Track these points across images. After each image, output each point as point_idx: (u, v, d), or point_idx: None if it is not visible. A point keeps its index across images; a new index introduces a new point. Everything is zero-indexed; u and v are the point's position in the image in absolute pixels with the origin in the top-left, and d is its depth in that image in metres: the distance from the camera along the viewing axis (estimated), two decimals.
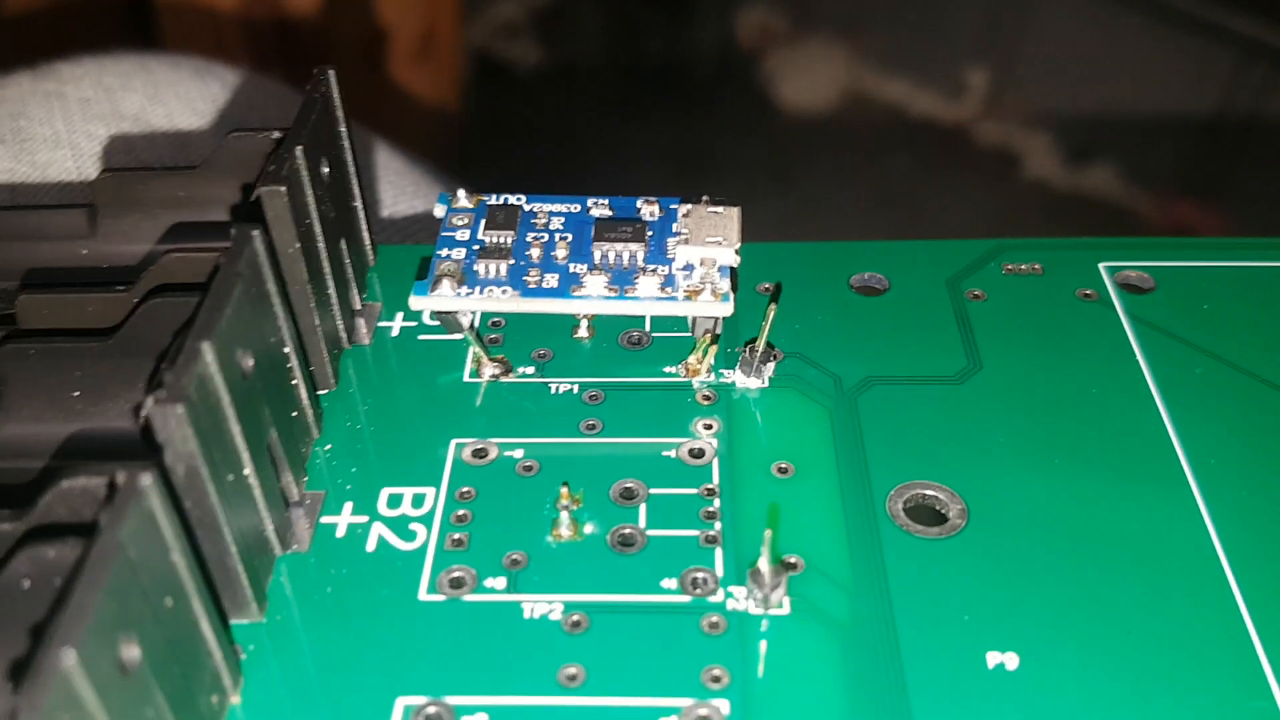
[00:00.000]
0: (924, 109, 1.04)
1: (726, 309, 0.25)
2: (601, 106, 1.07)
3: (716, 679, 0.20)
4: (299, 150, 0.24)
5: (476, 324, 0.28)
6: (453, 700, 0.20)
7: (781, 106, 1.06)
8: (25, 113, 0.40)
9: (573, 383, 0.26)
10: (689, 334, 0.27)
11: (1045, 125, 1.00)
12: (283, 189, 0.23)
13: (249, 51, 0.86)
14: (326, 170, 0.26)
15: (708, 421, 0.25)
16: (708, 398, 0.26)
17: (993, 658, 0.20)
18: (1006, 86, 1.05)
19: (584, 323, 0.28)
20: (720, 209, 0.26)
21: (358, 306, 0.28)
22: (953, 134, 1.02)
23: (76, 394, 0.24)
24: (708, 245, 0.25)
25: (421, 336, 0.28)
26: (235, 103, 0.42)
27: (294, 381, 0.24)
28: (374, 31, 0.90)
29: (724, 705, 0.20)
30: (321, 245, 0.25)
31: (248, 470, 0.21)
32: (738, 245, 0.26)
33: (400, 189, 0.40)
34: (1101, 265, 0.29)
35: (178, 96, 0.41)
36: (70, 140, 0.38)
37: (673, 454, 0.25)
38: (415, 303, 0.25)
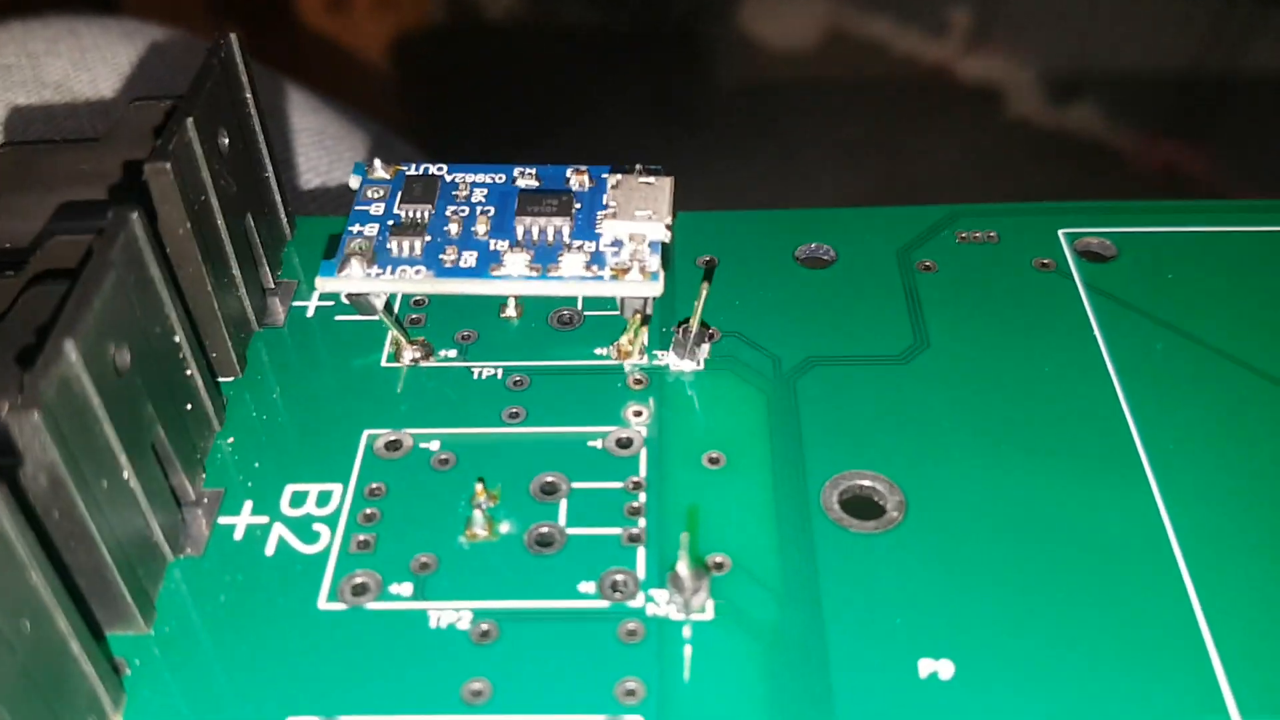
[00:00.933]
0: (906, 48, 1.01)
1: (656, 289, 0.23)
2: (578, 53, 1.04)
3: (631, 692, 0.19)
4: (190, 122, 0.22)
5: (396, 305, 0.26)
6: None
7: (762, 49, 1.03)
8: None
9: (497, 367, 0.25)
10: (620, 314, 0.26)
11: (1029, 64, 0.97)
12: (167, 166, 0.21)
13: (208, 7, 0.83)
14: (226, 142, 0.24)
15: (638, 408, 0.24)
16: (639, 381, 0.24)
17: (925, 666, 0.19)
18: (990, 25, 1.02)
19: (511, 301, 0.26)
20: (652, 179, 0.25)
21: (270, 285, 0.26)
22: (935, 73, 0.99)
23: None
24: (637, 220, 0.24)
25: (339, 316, 0.26)
26: (167, 67, 0.40)
27: (188, 371, 0.22)
28: None
29: None
30: (221, 222, 0.23)
31: (126, 473, 0.19)
32: (669, 220, 0.24)
33: (333, 152, 0.38)
34: (1061, 232, 0.27)
35: (104, 62, 0.39)
36: None
37: (599, 444, 0.23)
38: (322, 284, 0.24)
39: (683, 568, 0.20)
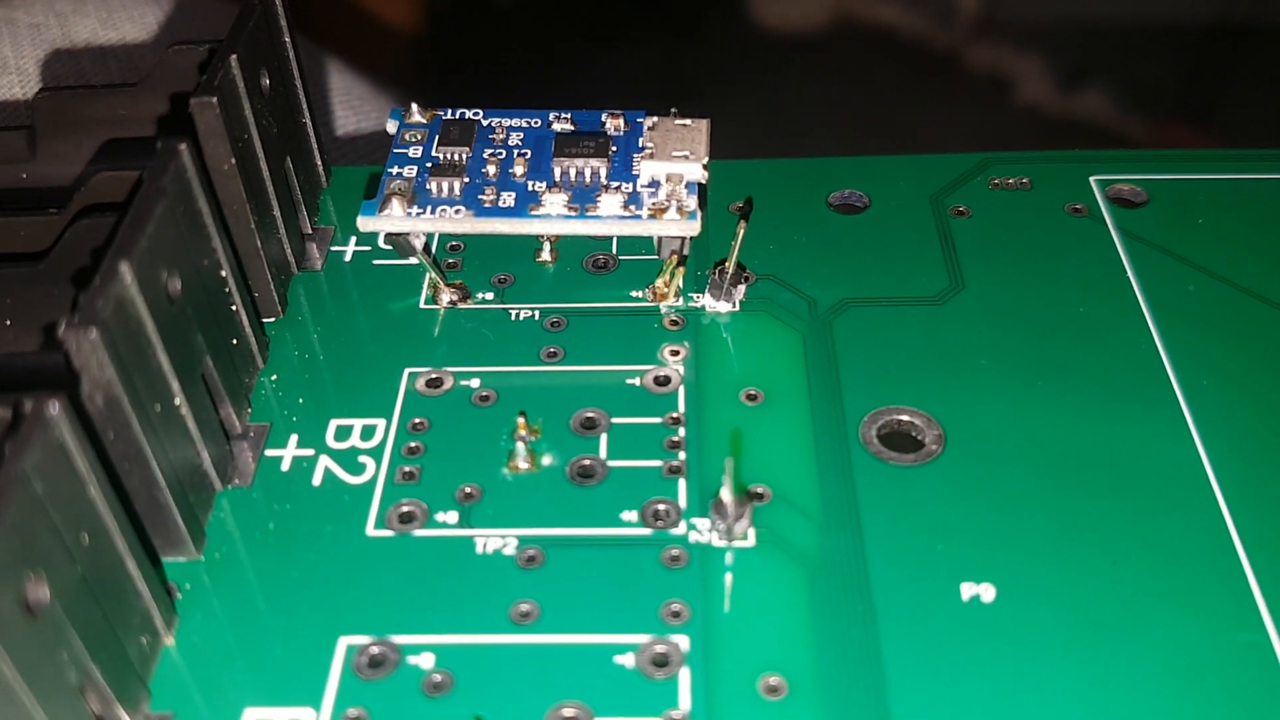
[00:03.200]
0: (915, 30, 1.01)
1: (693, 228, 0.24)
2: (579, 27, 1.04)
3: (676, 614, 0.19)
4: (234, 59, 0.22)
5: (433, 248, 0.26)
6: (398, 639, 0.19)
7: (767, 26, 1.03)
8: None
9: (534, 308, 0.25)
10: (657, 256, 0.26)
11: (1037, 46, 0.97)
12: (214, 100, 0.21)
13: None
14: (267, 83, 0.24)
15: (675, 347, 0.24)
16: (675, 322, 0.25)
17: (967, 589, 0.19)
18: (998, 7, 1.02)
19: (547, 245, 0.26)
20: (689, 121, 0.25)
21: (308, 230, 0.27)
22: (944, 55, 0.99)
23: (8, 322, 0.23)
24: (674, 160, 0.24)
25: (376, 261, 0.26)
26: (192, 24, 0.40)
27: (234, 307, 0.22)
28: None
29: (683, 641, 0.19)
30: (264, 163, 0.24)
31: (178, 400, 0.19)
32: (706, 160, 0.24)
33: (360, 111, 0.38)
34: (1092, 179, 0.27)
35: (132, 20, 0.39)
36: (19, 66, 0.37)
37: (637, 382, 0.23)
38: (363, 223, 0.24)
39: (726, 493, 0.20)
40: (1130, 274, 0.25)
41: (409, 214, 0.24)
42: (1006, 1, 1.04)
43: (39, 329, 0.23)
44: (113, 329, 0.17)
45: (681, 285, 0.25)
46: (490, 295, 0.25)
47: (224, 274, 0.22)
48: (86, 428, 0.17)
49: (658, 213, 0.24)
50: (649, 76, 0.99)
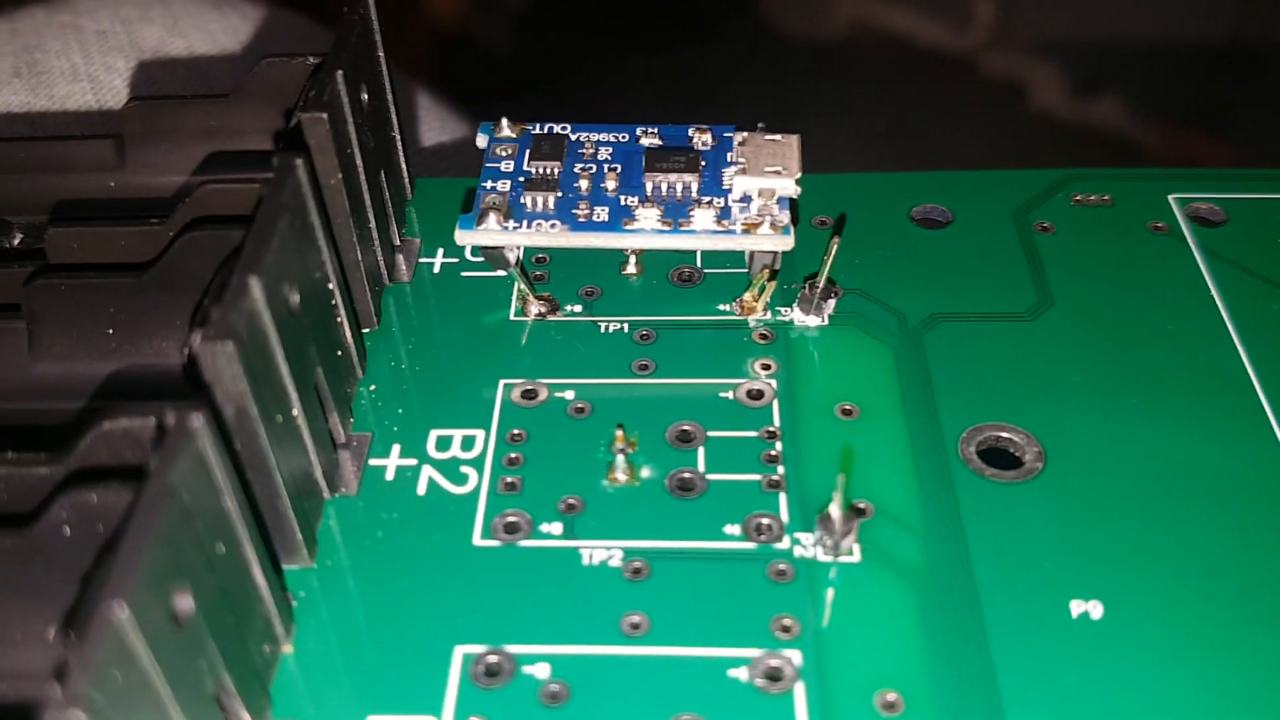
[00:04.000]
0: (930, 39, 1.01)
1: (787, 243, 0.24)
2: (602, 37, 1.04)
3: (786, 629, 0.19)
4: (340, 75, 0.23)
5: (521, 259, 0.27)
6: (513, 649, 0.19)
7: (785, 36, 1.03)
8: (41, 45, 0.39)
9: (622, 321, 0.25)
10: (743, 270, 0.26)
11: (1052, 55, 0.97)
12: (324, 115, 0.22)
13: None
14: (366, 98, 0.24)
15: (765, 361, 0.24)
16: (765, 336, 0.25)
17: (1076, 606, 0.20)
18: (1014, 16, 1.02)
19: (632, 259, 0.26)
20: (779, 137, 0.25)
21: (397, 242, 0.27)
22: (959, 64, 0.99)
23: (110, 331, 0.23)
24: (767, 175, 0.24)
25: (464, 273, 0.27)
26: (256, 34, 0.40)
27: (338, 319, 0.23)
28: None
29: (795, 656, 0.19)
30: (362, 176, 0.24)
31: (296, 410, 0.20)
32: (798, 175, 0.24)
33: (429, 124, 0.38)
34: (1171, 197, 0.28)
35: (198, 28, 0.39)
36: (89, 73, 0.37)
37: (730, 395, 0.24)
38: (461, 237, 0.24)
39: (835, 509, 0.20)
40: (1214, 292, 0.25)
41: (505, 228, 0.24)
42: (1022, 12, 1.04)
43: (144, 339, 0.23)
44: (244, 341, 0.18)
45: (770, 299, 0.25)
46: (579, 308, 0.26)
47: (331, 286, 0.22)
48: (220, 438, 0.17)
49: (751, 228, 0.24)
50: (663, 83, 0.99)
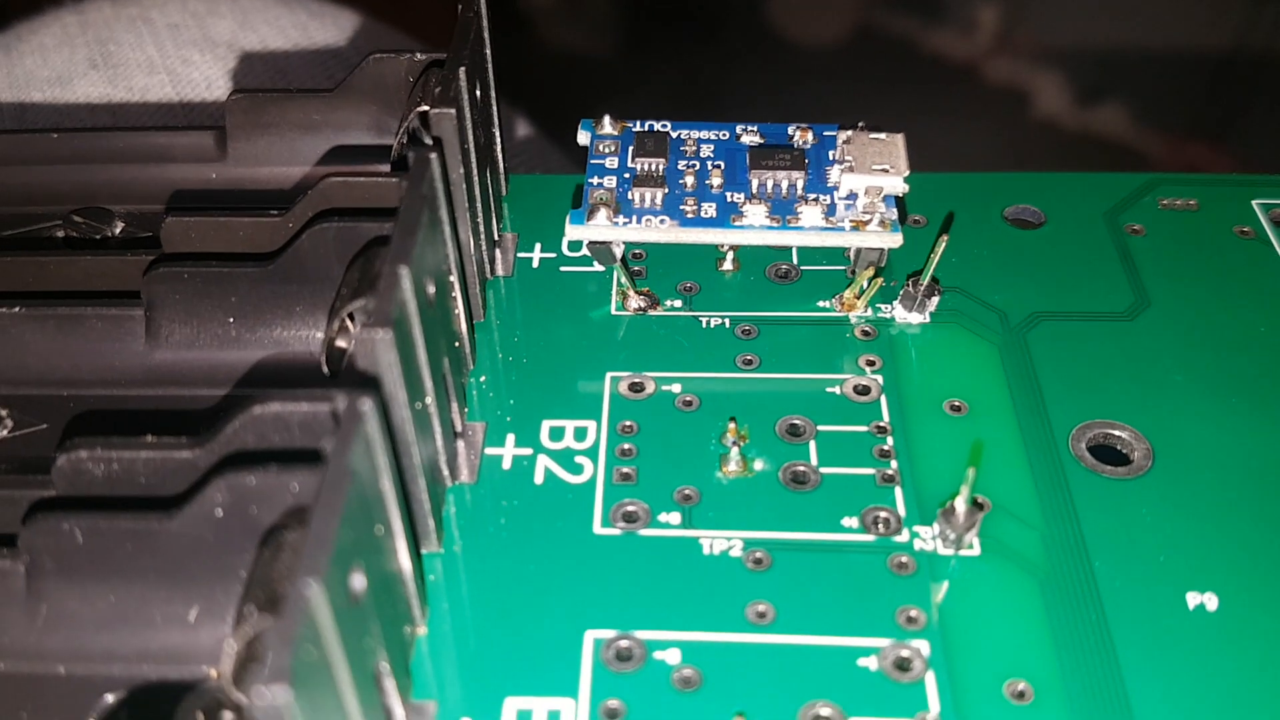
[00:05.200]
0: (934, 45, 1.02)
1: (896, 240, 0.24)
2: (609, 41, 1.05)
3: (913, 620, 0.20)
4: (462, 71, 0.23)
5: (623, 255, 0.27)
6: (642, 635, 0.20)
7: (790, 42, 1.04)
8: (114, 38, 0.39)
9: (723, 316, 0.26)
10: (839, 267, 0.26)
11: (1055, 63, 0.98)
12: (453, 111, 0.22)
13: None
14: (479, 94, 0.25)
15: (870, 357, 0.25)
16: (867, 333, 0.25)
17: (1192, 598, 0.20)
18: (1017, 23, 1.03)
19: (729, 255, 0.27)
20: (884, 135, 0.25)
21: (497, 237, 0.27)
22: (962, 71, 1.00)
23: (230, 320, 0.24)
24: (874, 173, 0.25)
25: (562, 268, 0.27)
26: (324, 29, 0.41)
27: (456, 311, 0.23)
28: None
29: (924, 646, 0.19)
30: (475, 172, 0.24)
31: (430, 399, 0.20)
32: (906, 173, 0.25)
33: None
34: (1255, 202, 0.28)
35: (268, 23, 0.40)
36: (166, 65, 0.37)
37: (837, 390, 0.24)
38: (572, 232, 0.25)
39: (961, 503, 0.20)
40: None
41: (615, 223, 0.25)
42: (1026, 19, 1.04)
43: (264, 328, 0.23)
44: (398, 328, 0.18)
45: (873, 296, 0.26)
46: (678, 303, 0.26)
47: (452, 279, 0.22)
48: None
49: (860, 225, 0.24)
50: (668, 84, 1.00)
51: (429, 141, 0.22)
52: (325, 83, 0.38)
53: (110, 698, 0.19)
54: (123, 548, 0.18)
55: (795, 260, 0.27)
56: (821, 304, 0.26)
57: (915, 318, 0.25)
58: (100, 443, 0.19)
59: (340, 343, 0.21)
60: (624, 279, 0.26)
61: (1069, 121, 0.94)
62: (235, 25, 0.40)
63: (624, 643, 0.20)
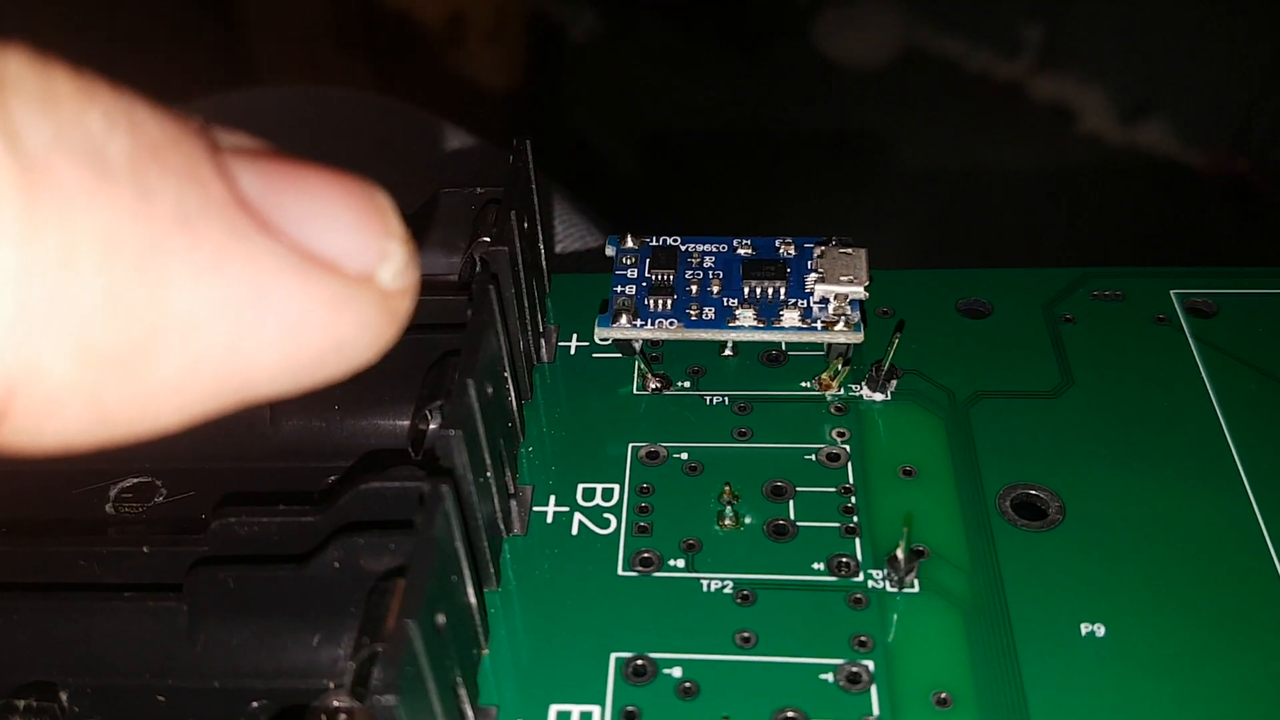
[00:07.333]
0: (979, 65, 1.06)
1: (858, 337, 0.30)
2: (657, 67, 1.11)
3: (863, 644, 0.26)
4: (512, 214, 0.29)
5: (643, 346, 0.33)
6: (654, 655, 0.26)
7: (837, 64, 1.09)
8: None
9: (724, 395, 0.32)
10: (820, 353, 0.32)
11: (1100, 77, 1.01)
12: (505, 249, 0.28)
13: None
14: (526, 225, 0.31)
15: (840, 430, 0.30)
16: (839, 409, 0.31)
17: (1085, 627, 0.25)
18: (1061, 42, 1.07)
19: (730, 344, 0.33)
20: (849, 250, 0.31)
21: (542, 329, 0.33)
22: (1007, 90, 1.04)
23: (336, 406, 0.30)
24: (841, 284, 0.31)
25: (595, 355, 0.33)
26: (375, 132, 0.47)
27: (510, 397, 0.29)
28: (453, 12, 0.96)
29: (870, 664, 0.25)
30: (523, 285, 0.31)
31: (490, 473, 0.26)
32: (867, 283, 0.31)
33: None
34: (1173, 292, 0.33)
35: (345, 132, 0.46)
36: None
37: (813, 458, 0.30)
38: (600, 333, 0.31)
39: (900, 552, 0.26)
40: (1204, 376, 0.31)
41: (634, 325, 0.31)
42: (1070, 34, 1.08)
43: (364, 415, 0.30)
44: (465, 429, 0.24)
45: (844, 379, 0.31)
46: (687, 384, 0.32)
47: (505, 374, 0.29)
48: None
49: (829, 325, 0.30)
50: (718, 106, 1.05)
51: (487, 268, 0.28)
52: (399, 180, 0.45)
53: (255, 704, 0.25)
54: (263, 591, 0.25)
55: (784, 349, 0.33)
56: (804, 384, 0.32)
57: (878, 396, 0.31)
58: (245, 510, 0.26)
59: (421, 427, 0.27)
60: (643, 365, 0.32)
61: (1113, 139, 0.98)
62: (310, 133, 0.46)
63: (640, 661, 0.26)
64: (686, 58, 1.13)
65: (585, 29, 1.17)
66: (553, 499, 0.29)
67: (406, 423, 0.29)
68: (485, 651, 0.26)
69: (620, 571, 0.28)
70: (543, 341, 0.33)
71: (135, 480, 0.30)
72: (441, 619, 0.22)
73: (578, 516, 0.29)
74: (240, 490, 0.29)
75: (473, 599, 0.25)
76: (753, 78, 1.12)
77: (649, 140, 1.07)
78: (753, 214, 0.99)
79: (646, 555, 0.28)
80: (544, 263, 0.34)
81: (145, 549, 0.27)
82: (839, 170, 1.03)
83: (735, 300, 0.31)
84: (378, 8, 0.95)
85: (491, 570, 0.27)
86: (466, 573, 0.24)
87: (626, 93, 1.11)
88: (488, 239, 0.29)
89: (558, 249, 0.44)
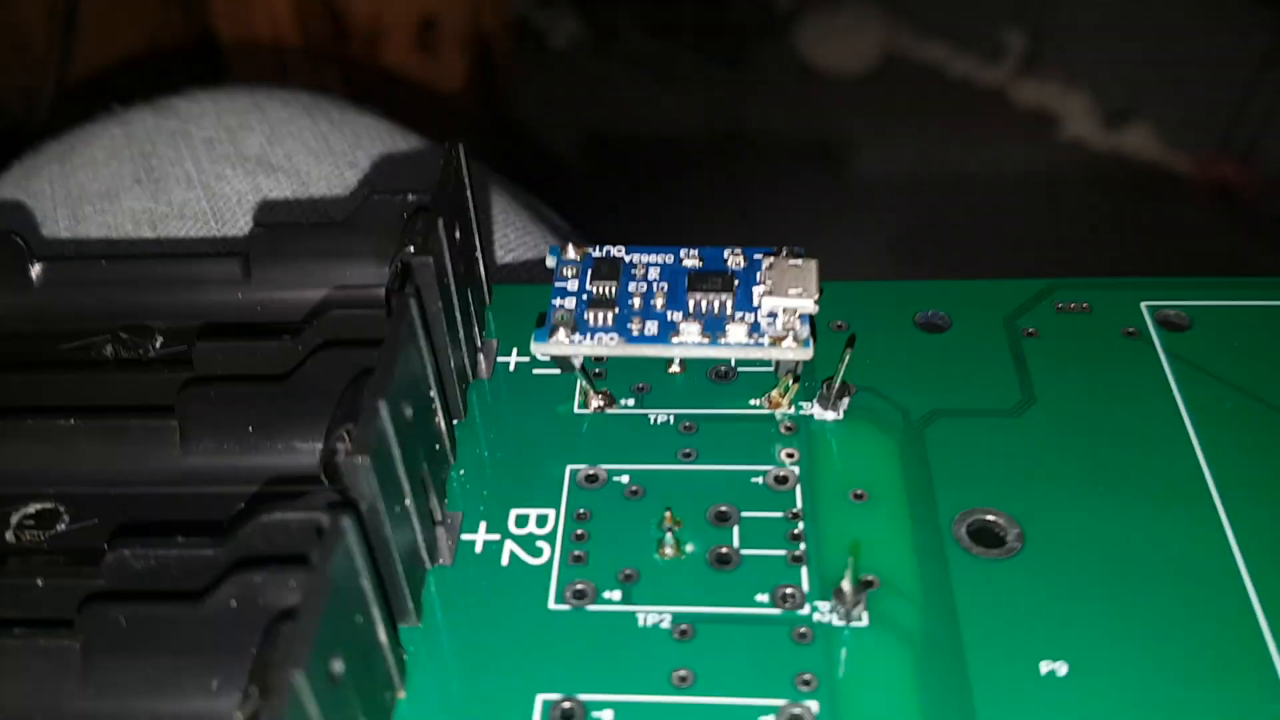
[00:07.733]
0: (961, 71, 1.06)
1: (807, 354, 0.28)
2: (638, 73, 1.10)
3: (807, 682, 0.24)
4: (440, 222, 0.27)
5: (584, 362, 0.31)
6: (584, 697, 0.24)
7: (818, 70, 1.08)
8: (156, 152, 0.44)
9: (669, 413, 0.30)
10: (769, 369, 0.31)
11: (1083, 83, 1.01)
12: (429, 260, 0.26)
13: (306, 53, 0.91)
14: (458, 235, 0.29)
15: (790, 450, 0.29)
16: (789, 428, 0.29)
17: (1045, 665, 0.24)
18: (1044, 47, 1.07)
19: (676, 359, 0.31)
20: (799, 261, 0.30)
21: (479, 344, 0.32)
22: (990, 96, 1.03)
23: (250, 429, 0.28)
24: (790, 296, 0.29)
25: (535, 370, 0.31)
26: (343, 137, 0.46)
27: (436, 416, 0.27)
28: (424, 20, 0.95)
29: (814, 705, 0.23)
30: (455, 298, 0.29)
31: (408, 500, 0.25)
32: (817, 296, 0.29)
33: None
34: (1143, 304, 0.32)
35: (292, 135, 0.45)
36: (202, 181, 0.42)
37: (760, 480, 0.28)
38: (536, 348, 0.29)
39: (846, 584, 0.24)
40: (1175, 392, 0.29)
41: (572, 340, 0.29)
42: (1053, 39, 1.08)
43: (279, 437, 0.28)
44: (376, 454, 0.23)
45: (794, 397, 0.30)
46: (631, 401, 0.30)
47: (432, 394, 0.27)
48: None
49: (777, 341, 0.29)
50: (699, 111, 1.04)
51: (411, 280, 0.27)
52: (343, 192, 0.43)
53: None
54: (158, 631, 0.23)
55: (733, 364, 0.31)
56: (753, 402, 0.30)
57: (830, 415, 0.29)
58: (140, 542, 0.24)
59: (334, 450, 0.26)
60: (584, 382, 0.30)
61: (1097, 144, 0.97)
62: (264, 139, 0.45)
63: (567, 704, 0.24)
64: (666, 64, 1.13)
65: (565, 35, 1.16)
66: (483, 525, 0.28)
67: None
68: (401, 695, 0.24)
69: (551, 605, 0.26)
70: (480, 356, 0.32)
71: (38, 506, 0.28)
72: (339, 666, 0.20)
73: (509, 545, 0.27)
74: (145, 519, 0.27)
75: (384, 639, 0.23)
76: (733, 84, 1.11)
77: (627, 147, 1.06)
78: (732, 222, 0.98)
79: (580, 587, 0.26)
80: (482, 272, 0.32)
81: (39, 582, 0.25)
82: (819, 178, 1.02)
83: (679, 314, 0.30)
84: (349, 13, 0.94)
85: (410, 606, 0.25)
86: (375, 611, 0.22)
87: (605, 100, 1.10)
88: (413, 248, 0.27)
89: (525, 259, 0.42)
